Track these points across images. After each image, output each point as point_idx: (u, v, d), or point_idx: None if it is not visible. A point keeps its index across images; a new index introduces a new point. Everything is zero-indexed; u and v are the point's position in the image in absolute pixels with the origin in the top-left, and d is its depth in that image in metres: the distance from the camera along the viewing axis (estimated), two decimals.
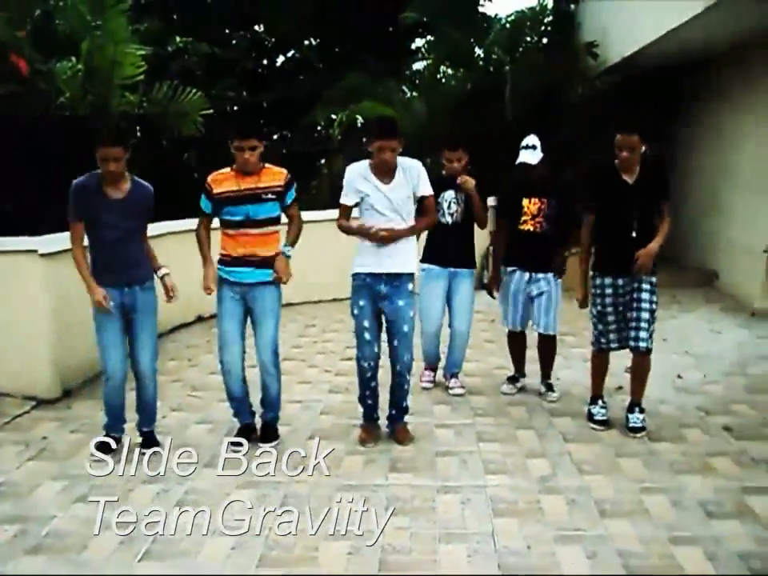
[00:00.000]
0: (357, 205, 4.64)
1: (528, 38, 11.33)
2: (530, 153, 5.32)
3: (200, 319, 8.32)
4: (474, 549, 3.53)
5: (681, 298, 9.13)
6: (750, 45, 8.56)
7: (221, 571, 3.38)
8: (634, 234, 4.75)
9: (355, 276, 4.67)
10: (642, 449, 4.65)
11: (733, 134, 9.40)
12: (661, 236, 4.76)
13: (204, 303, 8.01)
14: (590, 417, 5.07)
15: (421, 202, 4.69)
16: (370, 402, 4.85)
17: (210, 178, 4.62)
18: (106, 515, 3.75)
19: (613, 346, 4.98)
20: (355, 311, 4.68)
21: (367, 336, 4.65)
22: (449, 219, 5.52)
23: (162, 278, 4.73)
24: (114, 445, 4.59)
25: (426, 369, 5.97)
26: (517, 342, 5.76)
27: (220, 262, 4.67)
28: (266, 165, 4.61)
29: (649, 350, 4.82)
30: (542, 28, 11.52)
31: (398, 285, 4.59)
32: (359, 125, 12.42)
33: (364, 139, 4.67)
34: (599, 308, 4.93)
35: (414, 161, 4.67)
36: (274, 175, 4.58)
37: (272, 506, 3.92)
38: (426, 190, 4.64)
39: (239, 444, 4.52)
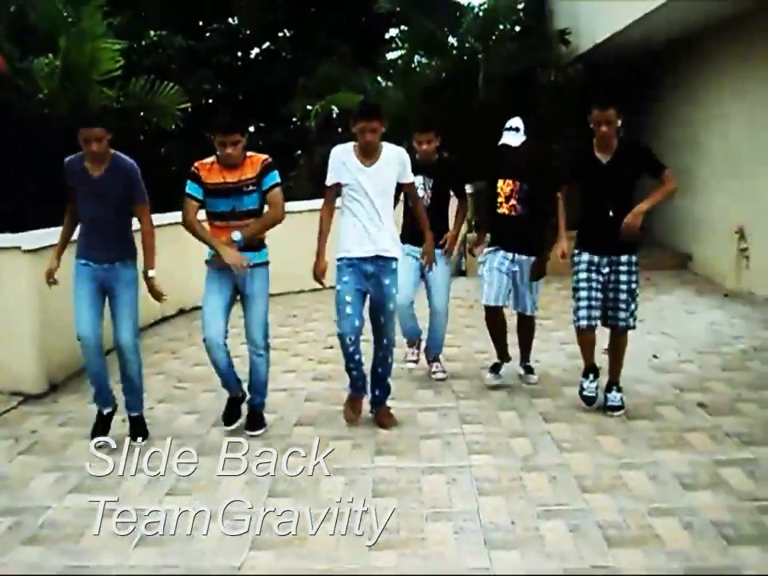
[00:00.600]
0: (339, 188, 4.69)
1: (501, 26, 11.44)
2: (512, 134, 5.24)
3: (182, 312, 8.38)
4: (461, 526, 3.64)
5: (656, 279, 9.30)
6: (722, 27, 8.71)
7: (215, 559, 3.47)
8: (610, 214, 4.78)
9: (340, 259, 4.73)
10: (620, 426, 4.78)
11: (705, 116, 9.57)
12: (653, 197, 4.80)
13: (186, 296, 8.12)
14: (581, 391, 5.10)
15: (402, 188, 4.90)
16: (355, 373, 4.89)
17: (197, 165, 4.61)
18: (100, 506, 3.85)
19: (582, 323, 4.94)
20: (338, 287, 4.72)
21: (348, 310, 4.66)
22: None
23: (146, 279, 4.72)
24: (108, 440, 4.53)
25: (408, 346, 5.96)
26: (495, 320, 5.57)
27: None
28: (249, 154, 4.63)
29: (628, 328, 4.91)
30: (515, 16, 11.64)
31: (383, 265, 4.72)
32: (334, 115, 12.50)
33: (350, 120, 4.69)
34: (574, 284, 5.01)
35: (399, 147, 4.79)
36: (254, 165, 4.59)
37: (262, 493, 4.02)
38: (410, 176, 4.84)
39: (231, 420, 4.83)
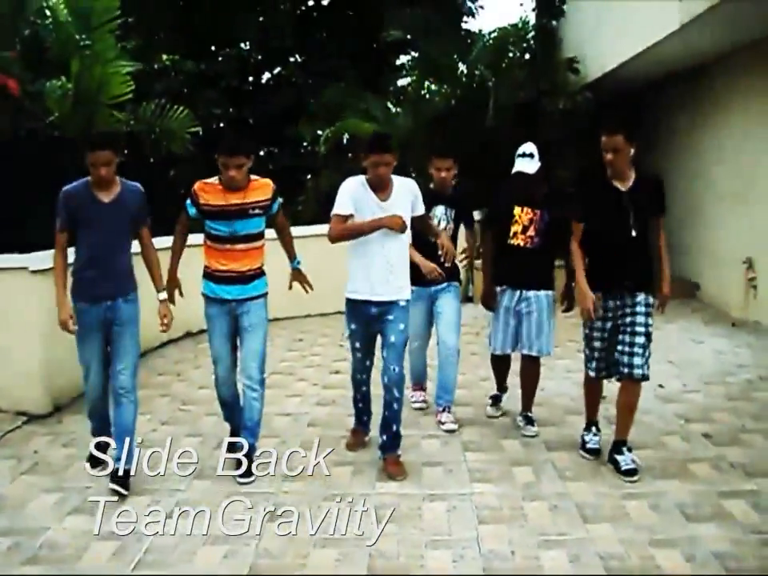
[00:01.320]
0: (351, 216, 4.51)
1: (511, 54, 11.52)
2: (527, 161, 4.93)
3: (188, 335, 8.39)
4: (460, 554, 3.62)
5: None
6: (729, 58, 8.75)
7: None
8: (631, 245, 4.45)
9: (347, 300, 4.70)
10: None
11: (714, 146, 9.58)
12: (667, 263, 4.62)
13: (193, 319, 8.12)
14: (583, 444, 4.84)
15: (416, 221, 4.68)
16: (360, 405, 4.99)
17: (197, 187, 4.52)
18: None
19: (594, 374, 4.70)
20: (347, 332, 4.84)
21: (359, 355, 4.81)
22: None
23: (160, 302, 4.65)
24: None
25: (413, 389, 5.79)
26: (502, 364, 5.52)
27: (206, 276, 4.63)
28: (252, 177, 4.57)
29: (644, 377, 4.45)
30: (525, 44, 11.71)
31: (390, 306, 4.56)
32: (345, 141, 12.58)
33: (360, 154, 4.64)
34: (586, 331, 4.66)
35: (409, 179, 4.73)
36: (261, 189, 4.55)
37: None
38: (422, 208, 4.72)
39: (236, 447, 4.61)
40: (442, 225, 5.31)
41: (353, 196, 4.48)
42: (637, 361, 4.40)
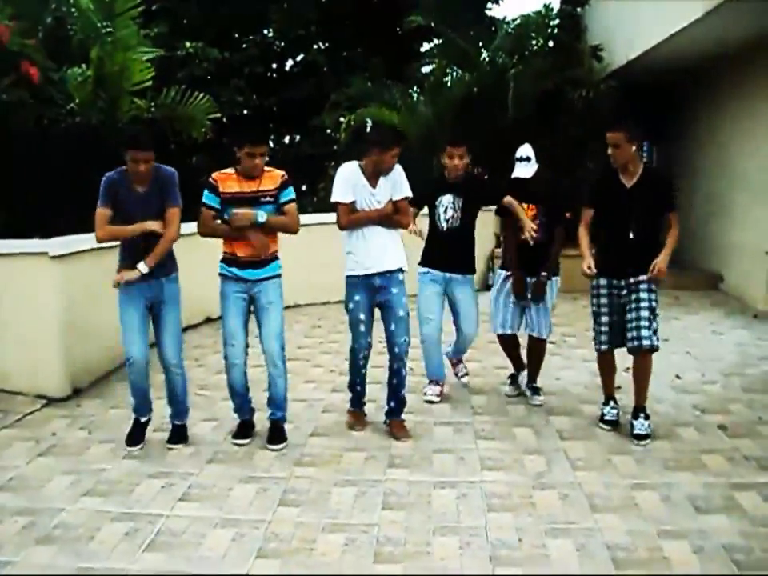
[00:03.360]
0: (353, 203, 4.81)
1: (534, 42, 11.44)
2: (524, 166, 5.29)
3: (208, 320, 8.46)
4: (467, 541, 3.63)
5: (685, 299, 9.22)
6: (757, 46, 8.62)
7: (220, 566, 3.50)
8: (630, 236, 4.76)
9: (350, 278, 4.95)
10: (636, 447, 4.73)
11: (739, 136, 9.46)
12: (669, 248, 4.73)
13: (212, 304, 8.18)
14: (601, 416, 5.08)
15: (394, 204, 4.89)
16: (359, 388, 5.18)
17: (215, 176, 4.68)
18: (112, 507, 3.96)
19: (603, 347, 4.98)
20: (350, 306, 4.98)
21: (362, 328, 4.96)
22: (444, 225, 5.41)
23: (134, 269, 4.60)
24: (140, 439, 4.89)
25: (429, 383, 5.71)
26: (507, 345, 5.71)
27: (223, 260, 4.78)
28: (266, 168, 4.71)
29: (652, 348, 4.75)
30: (548, 31, 11.61)
31: (389, 277, 4.87)
32: (368, 128, 12.57)
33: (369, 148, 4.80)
34: (594, 308, 5.00)
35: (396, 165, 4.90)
36: (272, 178, 4.69)
37: (273, 502, 4.06)
38: (404, 192, 4.89)
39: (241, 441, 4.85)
40: (449, 213, 5.38)
41: (350, 182, 4.81)
42: (644, 333, 4.72)
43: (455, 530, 3.74)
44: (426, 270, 5.51)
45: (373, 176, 4.81)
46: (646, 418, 4.89)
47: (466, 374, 6.00)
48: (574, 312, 8.09)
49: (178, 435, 4.96)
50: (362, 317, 4.94)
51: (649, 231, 4.79)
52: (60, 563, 3.51)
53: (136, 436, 4.91)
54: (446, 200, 5.39)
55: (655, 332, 4.77)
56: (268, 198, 4.65)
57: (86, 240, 5.81)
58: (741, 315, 8.51)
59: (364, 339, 4.98)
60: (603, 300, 4.92)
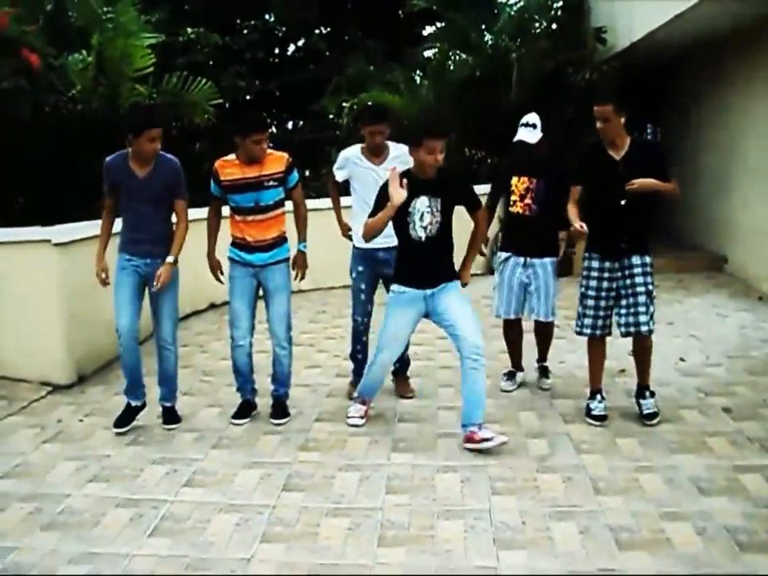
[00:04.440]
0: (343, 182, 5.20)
1: (537, 24, 11.36)
2: (529, 131, 5.12)
3: (212, 306, 8.47)
4: (471, 525, 3.64)
5: (688, 282, 9.18)
6: (758, 27, 8.56)
7: (224, 551, 3.51)
8: (623, 209, 4.60)
9: (356, 248, 5.22)
10: (639, 429, 4.73)
11: (742, 117, 9.39)
12: (662, 186, 4.58)
13: (216, 291, 8.18)
14: (588, 411, 4.91)
15: None
16: (359, 356, 5.44)
17: (216, 165, 4.80)
18: (117, 493, 4.00)
19: (585, 331, 4.85)
20: (354, 275, 5.27)
21: (362, 297, 5.27)
22: (420, 234, 4.47)
23: (165, 263, 4.71)
24: (125, 422, 4.92)
25: (357, 401, 5.07)
26: (513, 331, 5.58)
27: (232, 244, 4.88)
28: (268, 151, 4.77)
29: (650, 332, 4.70)
30: (551, 13, 11.53)
31: (393, 252, 4.86)
32: None
33: (359, 125, 4.94)
34: (582, 290, 4.86)
35: (403, 146, 4.87)
36: (276, 161, 4.75)
37: (277, 487, 4.08)
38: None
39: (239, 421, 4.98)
40: (426, 219, 4.46)
41: (347, 161, 5.13)
42: (642, 318, 4.65)
43: (459, 514, 3.75)
44: (399, 287, 4.64)
45: (372, 155, 5.05)
46: (652, 395, 4.88)
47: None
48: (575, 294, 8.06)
49: (172, 416, 5.03)
50: (363, 286, 5.23)
51: (641, 203, 4.60)
52: (65, 549, 3.53)
53: (122, 418, 4.93)
54: (421, 204, 4.44)
55: (652, 316, 4.70)
56: (272, 183, 4.72)
57: (89, 227, 5.82)
58: (745, 297, 8.47)
59: (363, 307, 5.28)
60: (592, 282, 4.78)
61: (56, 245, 5.70)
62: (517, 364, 5.70)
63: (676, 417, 4.92)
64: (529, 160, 5.21)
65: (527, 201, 5.21)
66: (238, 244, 4.84)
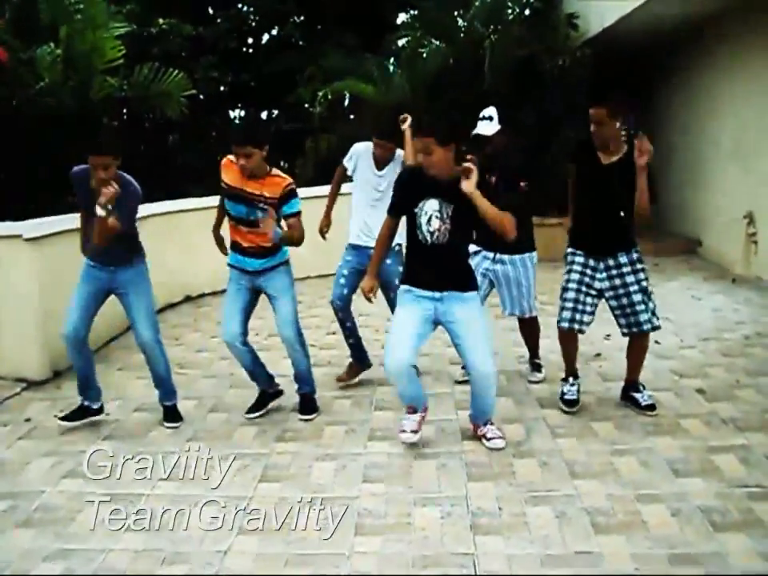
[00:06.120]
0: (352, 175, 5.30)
1: (510, 11, 11.35)
2: (486, 124, 4.92)
3: (188, 299, 8.41)
4: (448, 511, 3.66)
5: (664, 266, 9.24)
6: (730, 14, 8.61)
7: (201, 544, 3.51)
8: (605, 216, 4.51)
9: (350, 245, 5.30)
10: (615, 413, 4.76)
11: (713, 103, 9.47)
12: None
13: (193, 283, 8.17)
14: (561, 395, 4.88)
15: None
16: (351, 341, 5.46)
17: (223, 162, 4.62)
18: (93, 489, 3.98)
19: (563, 324, 4.72)
20: (340, 263, 5.31)
21: (341, 281, 5.26)
22: (427, 237, 4.10)
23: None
24: (73, 424, 4.83)
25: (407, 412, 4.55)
26: None
27: (231, 247, 4.80)
28: (274, 171, 4.56)
29: (654, 328, 4.63)
30: (524, 0, 11.52)
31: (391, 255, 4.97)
32: (346, 102, 12.49)
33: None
34: (563, 283, 4.75)
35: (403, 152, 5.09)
36: (275, 185, 4.50)
37: (253, 478, 4.08)
38: None
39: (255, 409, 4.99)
40: (434, 224, 4.08)
41: (357, 156, 5.27)
42: (642, 317, 4.57)
43: (436, 501, 3.77)
44: (407, 287, 4.29)
45: (378, 160, 5.17)
46: (643, 387, 4.85)
47: (501, 447, 4.37)
48: (553, 280, 8.08)
49: (173, 416, 4.95)
50: (345, 272, 5.25)
51: (626, 210, 4.44)
52: (41, 545, 3.51)
53: (71, 415, 4.86)
54: (430, 206, 4.08)
55: (653, 312, 4.62)
56: (262, 205, 4.48)
57: (61, 221, 5.77)
58: (719, 280, 8.55)
59: (339, 290, 5.24)
60: (573, 276, 4.66)
61: (27, 239, 5.63)
62: None
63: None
64: (483, 154, 4.92)
65: (489, 197, 5.05)
66: (234, 247, 4.74)
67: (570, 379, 4.91)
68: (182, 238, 6.87)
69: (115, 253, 4.61)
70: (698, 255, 9.93)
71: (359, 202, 5.28)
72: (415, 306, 4.15)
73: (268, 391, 5.07)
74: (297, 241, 4.57)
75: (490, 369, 4.18)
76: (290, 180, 4.56)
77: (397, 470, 4.12)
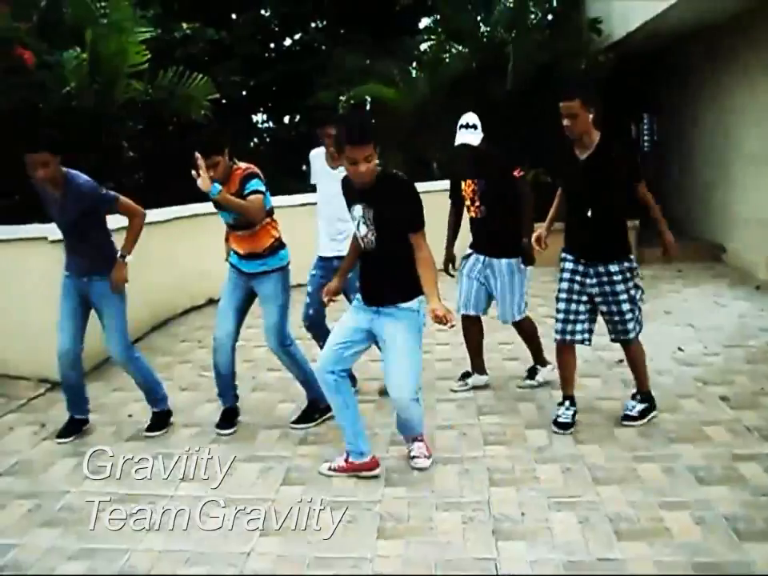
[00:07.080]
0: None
1: (532, 15, 11.33)
2: (470, 133, 4.87)
3: (211, 302, 8.44)
4: (470, 516, 3.65)
5: (687, 272, 9.17)
6: (755, 13, 8.54)
7: (223, 545, 3.52)
8: (587, 215, 4.40)
9: (319, 257, 5.18)
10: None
11: (739, 105, 9.39)
12: (661, 221, 4.46)
13: (215, 286, 8.19)
14: (555, 419, 4.67)
15: None
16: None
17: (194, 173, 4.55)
18: (115, 489, 4.01)
19: (557, 337, 4.61)
20: (308, 277, 5.19)
21: (307, 299, 5.15)
22: (362, 245, 4.00)
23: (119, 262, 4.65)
24: (67, 440, 4.78)
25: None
26: (471, 329, 5.36)
27: (231, 250, 4.82)
28: (235, 166, 4.48)
29: (637, 336, 4.59)
30: (547, 5, 11.50)
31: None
32: (368, 105, 12.49)
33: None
34: (556, 292, 4.65)
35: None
36: (236, 178, 4.45)
37: (276, 481, 4.09)
38: None
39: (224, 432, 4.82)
40: (362, 230, 3.92)
41: (314, 162, 5.32)
42: (629, 326, 4.53)
43: (458, 505, 3.76)
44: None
45: (333, 156, 5.11)
46: (642, 401, 4.71)
47: (424, 467, 4.22)
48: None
49: (156, 423, 4.90)
50: (310, 289, 5.12)
51: (608, 209, 4.39)
52: (64, 545, 3.54)
53: (64, 430, 4.84)
54: (357, 212, 3.94)
55: (637, 320, 4.55)
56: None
57: None
58: (743, 286, 8.48)
59: (304, 312, 5.16)
60: (563, 285, 4.57)
61: (53, 242, 5.68)
62: (476, 364, 5.48)
63: (674, 406, 4.92)
64: (471, 162, 5.02)
65: (477, 204, 5.08)
66: (234, 250, 4.77)
67: (567, 403, 4.74)
68: (200, 240, 6.90)
69: (83, 263, 4.64)
70: (721, 261, 9.85)
71: (321, 211, 5.16)
72: (355, 317, 4.05)
73: (233, 406, 5.00)
74: (245, 210, 4.33)
75: (405, 394, 3.91)
76: (246, 166, 4.48)
77: (419, 474, 4.12)
